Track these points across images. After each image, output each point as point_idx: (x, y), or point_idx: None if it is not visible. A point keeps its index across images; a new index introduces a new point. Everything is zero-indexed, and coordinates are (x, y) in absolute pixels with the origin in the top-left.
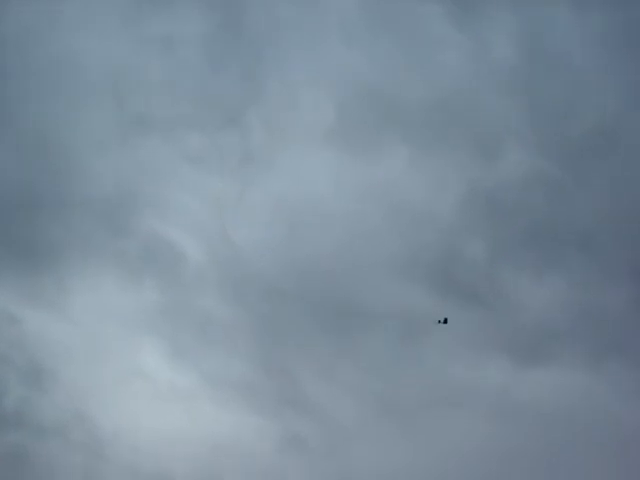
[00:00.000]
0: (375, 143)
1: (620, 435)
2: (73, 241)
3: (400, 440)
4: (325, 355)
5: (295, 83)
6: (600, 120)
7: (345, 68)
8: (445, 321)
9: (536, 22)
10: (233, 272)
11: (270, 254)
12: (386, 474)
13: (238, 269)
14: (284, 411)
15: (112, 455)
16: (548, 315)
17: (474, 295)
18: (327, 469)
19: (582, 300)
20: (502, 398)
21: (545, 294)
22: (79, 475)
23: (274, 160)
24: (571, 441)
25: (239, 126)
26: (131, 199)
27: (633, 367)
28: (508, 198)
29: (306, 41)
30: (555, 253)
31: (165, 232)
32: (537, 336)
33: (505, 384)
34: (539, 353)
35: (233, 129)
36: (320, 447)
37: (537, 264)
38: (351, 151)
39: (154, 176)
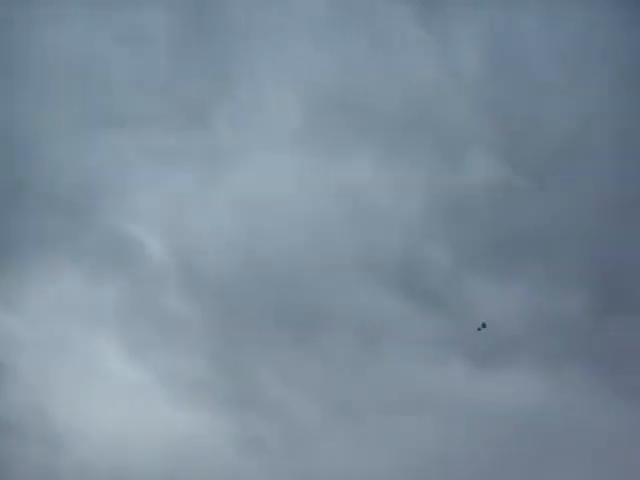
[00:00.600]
0: (341, 145)
1: (576, 438)
2: (31, 234)
3: (359, 442)
4: (284, 355)
5: (263, 83)
6: (565, 128)
7: (313, 69)
8: (484, 325)
9: (504, 28)
10: (194, 270)
11: (231, 253)
12: (345, 476)
13: (199, 267)
14: (241, 410)
15: (68, 451)
16: (508, 320)
17: (435, 299)
18: (285, 470)
19: (542, 306)
20: (461, 402)
21: (505, 300)
22: (34, 470)
23: (238, 159)
24: (528, 444)
25: (204, 124)
26: (93, 194)
27: (590, 372)
28: (472, 204)
29: (274, 41)
30: (517, 259)
31: (126, 228)
32: (496, 341)
33: (464, 388)
34: (498, 357)
35: (198, 127)
36: (278, 447)
37: (499, 270)
38: (316, 152)
39: (117, 171)
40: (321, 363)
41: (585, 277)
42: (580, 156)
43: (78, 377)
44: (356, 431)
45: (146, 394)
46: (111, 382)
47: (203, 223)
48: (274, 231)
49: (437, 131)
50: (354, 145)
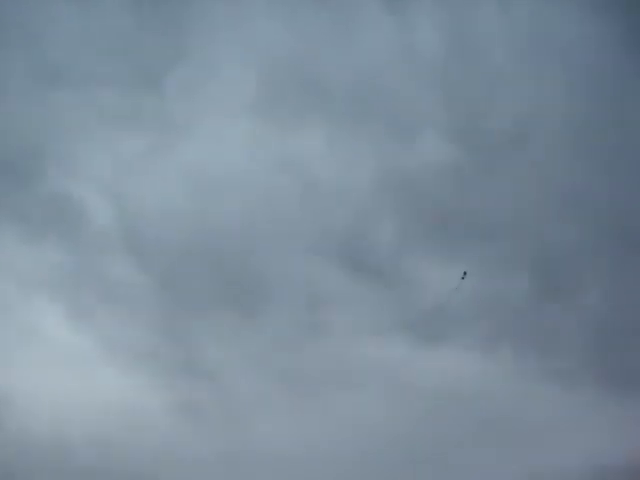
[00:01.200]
0: (294, 118)
1: (511, 417)
2: None
3: (298, 412)
4: (229, 324)
5: (219, 51)
6: (517, 116)
7: (270, 40)
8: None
9: (463, 14)
10: (139, 236)
11: (178, 220)
12: (281, 445)
13: (144, 233)
14: (182, 378)
15: (6, 417)
16: (448, 299)
17: (379, 275)
18: (223, 437)
19: (481, 286)
20: (400, 377)
21: (447, 279)
22: None
23: (189, 124)
24: (464, 421)
25: (158, 88)
26: (38, 154)
27: (525, 352)
28: (421, 184)
29: (233, 10)
30: (460, 240)
31: (71, 190)
32: (436, 318)
33: (404, 363)
34: (437, 335)
35: (151, 90)
36: (217, 415)
37: (442, 249)
38: (269, 124)
39: (64, 132)
40: (265, 334)
41: (524, 262)
42: (529, 143)
43: (19, 342)
44: (296, 402)
45: (87, 360)
46: (52, 348)
47: (151, 189)
48: (222, 200)
49: (391, 110)
50: (307, 119)
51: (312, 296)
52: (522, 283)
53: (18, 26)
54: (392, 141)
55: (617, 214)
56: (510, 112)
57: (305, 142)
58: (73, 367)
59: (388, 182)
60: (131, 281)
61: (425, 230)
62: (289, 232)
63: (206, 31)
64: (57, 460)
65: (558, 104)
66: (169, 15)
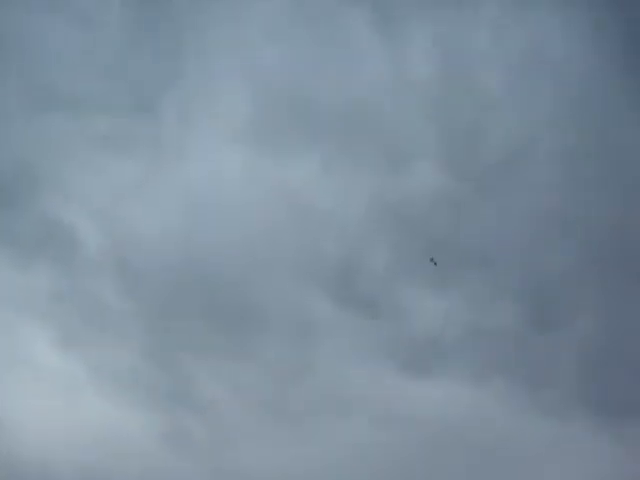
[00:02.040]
0: (287, 144)
1: (502, 449)
2: None
3: (286, 443)
4: (218, 353)
5: (214, 74)
6: (508, 142)
7: (265, 66)
8: (433, 261)
9: (455, 41)
10: (130, 262)
11: (170, 246)
12: (269, 475)
13: (136, 259)
14: (171, 406)
15: None
16: (440, 329)
17: (371, 304)
18: (211, 466)
19: (473, 316)
20: (390, 407)
21: (439, 309)
22: None
23: (183, 150)
24: (454, 453)
25: (151, 111)
26: (30, 177)
27: (517, 384)
28: (413, 212)
29: (229, 33)
30: (452, 269)
31: (63, 214)
32: (428, 349)
33: (394, 394)
34: (428, 366)
35: (145, 114)
36: (206, 444)
37: (434, 279)
38: (263, 149)
39: (56, 155)
40: (254, 362)
41: (517, 292)
42: (521, 170)
43: (7, 367)
44: (284, 432)
45: (75, 386)
46: (40, 373)
47: (143, 214)
48: (214, 227)
49: (384, 137)
50: (301, 145)
51: (303, 325)
52: (515, 313)
53: (11, 48)
54: (386, 169)
55: (611, 243)
56: (503, 140)
57: (300, 169)
58: (61, 394)
59: (381, 209)
60: (122, 308)
61: (418, 259)
62: (282, 260)
63: (202, 56)
64: None
65: (551, 130)
66: (165, 40)
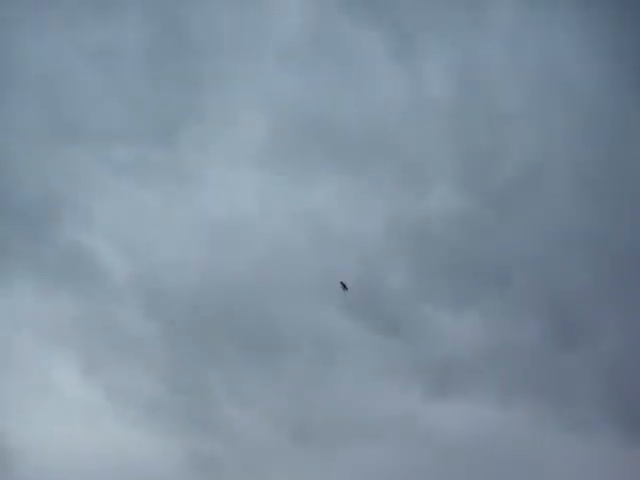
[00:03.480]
0: (305, 167)
1: (529, 466)
2: None
3: (311, 464)
4: (241, 376)
5: (231, 102)
6: (525, 160)
7: (281, 91)
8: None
9: (471, 60)
10: (153, 288)
11: (191, 271)
12: None
13: (158, 285)
14: (196, 431)
15: (16, 467)
16: (461, 348)
17: (391, 324)
18: None
19: (495, 335)
20: (413, 428)
21: (460, 327)
22: None
23: (203, 177)
24: (477, 473)
25: (171, 141)
26: (54, 206)
27: (542, 401)
28: (431, 231)
29: (245, 61)
30: (472, 288)
31: (87, 242)
32: (449, 368)
33: (417, 414)
34: (450, 385)
35: (165, 143)
36: (230, 467)
37: (455, 297)
38: (281, 174)
39: (80, 185)
40: (278, 385)
41: (538, 310)
42: (540, 188)
43: (31, 394)
44: (308, 453)
45: (99, 413)
46: (62, 399)
47: (165, 241)
48: (235, 251)
49: (401, 158)
50: (318, 168)
51: (325, 345)
52: (537, 330)
53: (36, 83)
54: (403, 189)
55: (633, 257)
56: (520, 157)
57: (318, 191)
58: (84, 419)
59: (400, 230)
60: (143, 334)
61: (438, 277)
62: (303, 281)
63: (219, 85)
64: None
65: (569, 147)
66: (183, 71)
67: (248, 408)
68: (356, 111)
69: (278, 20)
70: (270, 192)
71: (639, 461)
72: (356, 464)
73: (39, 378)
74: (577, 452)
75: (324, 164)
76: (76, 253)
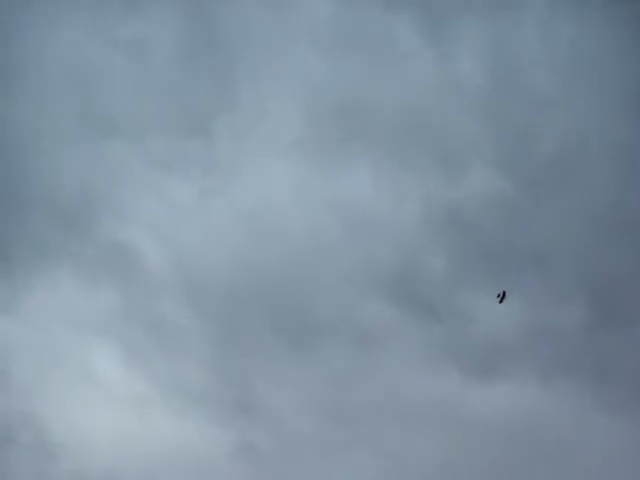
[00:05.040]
0: (339, 156)
1: (570, 449)
2: (30, 240)
3: (353, 450)
4: (281, 363)
5: (264, 93)
6: (563, 144)
7: (314, 81)
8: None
9: (504, 42)
10: (191, 279)
11: (229, 261)
12: None
13: (197, 276)
14: (238, 418)
15: (62, 459)
16: (501, 332)
17: (430, 309)
18: (279, 476)
19: (535, 318)
20: (454, 412)
21: (499, 311)
22: (26, 477)
23: (238, 168)
24: (520, 457)
25: (206, 134)
26: (92, 200)
27: (582, 386)
28: (467, 215)
29: (277, 52)
30: (511, 271)
31: (125, 235)
32: (490, 352)
33: (457, 398)
34: (491, 369)
35: (199, 137)
36: (274, 455)
37: (493, 281)
38: (316, 163)
39: (117, 179)
40: (317, 372)
41: (578, 291)
42: (577, 171)
43: (74, 385)
44: (350, 439)
45: (142, 402)
46: (107, 391)
47: (202, 232)
48: (272, 241)
49: (436, 143)
50: (353, 156)
51: (363, 332)
52: (577, 313)
53: (72, 77)
54: (438, 174)
55: None
56: (556, 139)
57: (351, 179)
58: (127, 409)
59: (436, 215)
60: (184, 323)
61: (475, 262)
62: (339, 270)
63: (251, 76)
64: None
65: (602, 130)
66: (216, 63)
67: (286, 394)
68: (389, 97)
69: (308, 8)
70: (304, 181)
71: None
72: (397, 450)
73: (82, 371)
74: (619, 432)
75: (358, 151)
76: (114, 245)
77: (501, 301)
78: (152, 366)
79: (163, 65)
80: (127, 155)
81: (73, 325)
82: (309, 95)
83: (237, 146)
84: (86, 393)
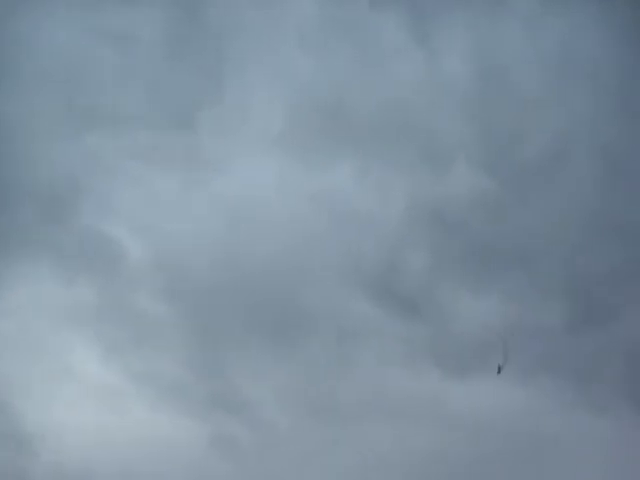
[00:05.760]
0: (323, 150)
1: (552, 447)
2: (7, 230)
3: (331, 445)
4: (260, 357)
5: (249, 88)
6: (547, 143)
7: (299, 74)
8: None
9: (490, 40)
10: (171, 272)
11: (209, 255)
12: (314, 476)
13: (177, 270)
14: (215, 412)
15: (38, 453)
16: (482, 330)
17: (412, 305)
18: (257, 471)
19: (516, 316)
20: (434, 409)
21: (481, 308)
22: (2, 470)
23: (220, 161)
24: (503, 453)
25: (189, 126)
26: (72, 191)
27: (565, 381)
28: (451, 213)
29: (264, 45)
30: (493, 269)
31: (105, 227)
32: (471, 349)
33: (438, 395)
34: (472, 365)
35: (183, 129)
36: (251, 449)
37: (475, 279)
38: (298, 157)
39: (98, 170)
40: (296, 366)
41: (562, 290)
42: (563, 171)
43: (50, 377)
44: (329, 434)
45: (120, 396)
46: (84, 383)
47: (183, 225)
48: (254, 235)
49: (421, 140)
50: (337, 151)
51: (344, 327)
52: (559, 312)
53: (53, 68)
54: (423, 171)
55: None
56: (542, 139)
57: (335, 175)
58: (104, 402)
59: (419, 213)
60: (163, 315)
61: (458, 260)
62: (322, 264)
63: (237, 70)
64: None
65: (589, 129)
66: (202, 56)
67: (268, 388)
68: (375, 93)
69: (296, 4)
70: (289, 175)
71: None
72: (375, 444)
73: (59, 363)
74: (601, 431)
75: (343, 146)
76: (94, 238)
77: (499, 372)
78: (129, 359)
79: (148, 58)
80: (109, 147)
81: (51, 317)
82: (295, 91)
83: (221, 140)
84: (63, 385)
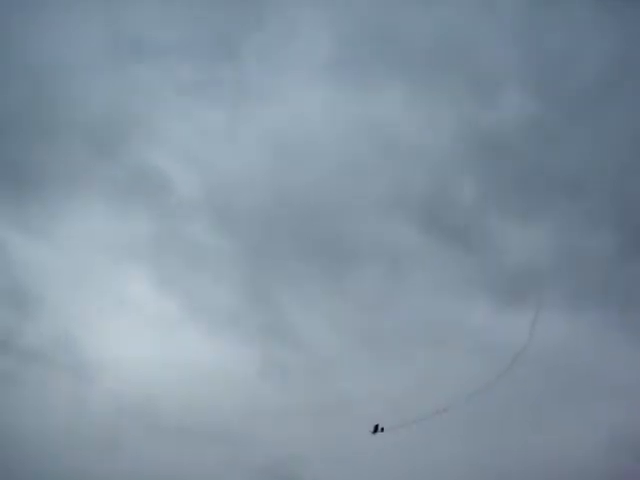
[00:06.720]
0: (372, 79)
1: (596, 376)
2: (60, 166)
3: (378, 370)
4: (310, 286)
5: (295, 15)
6: (599, 71)
7: (346, 1)
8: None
9: None
10: (223, 203)
11: (259, 185)
12: (361, 397)
13: (228, 200)
14: (266, 339)
15: (96, 380)
16: (532, 258)
17: (460, 235)
18: (305, 397)
19: (566, 244)
20: (483, 337)
21: (530, 237)
22: (64, 399)
23: (267, 91)
24: (547, 381)
25: (234, 57)
26: (121, 125)
27: (612, 312)
28: (502, 140)
29: None
30: (542, 198)
31: (154, 160)
32: (520, 278)
33: (487, 324)
34: (521, 295)
35: (228, 59)
36: (300, 375)
37: (524, 208)
38: (347, 86)
39: (145, 103)
40: (346, 295)
41: (608, 217)
42: (612, 95)
43: (108, 308)
44: (376, 360)
45: (174, 325)
46: (140, 313)
47: (232, 156)
48: (303, 165)
49: (470, 67)
50: (385, 79)
51: (393, 255)
52: (607, 238)
53: (98, 1)
54: (472, 97)
55: None
56: (594, 65)
57: (383, 103)
58: (160, 331)
59: (468, 140)
60: (215, 246)
61: (506, 187)
62: (370, 195)
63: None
64: (147, 417)
65: None
66: None
67: (314, 316)
68: (423, 21)
69: None
70: (336, 105)
71: None
72: (420, 372)
73: (115, 294)
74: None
75: (391, 75)
76: (145, 171)
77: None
78: (184, 289)
79: None
80: (155, 79)
81: (106, 249)
82: (341, 17)
83: (266, 70)
84: (121, 317)
